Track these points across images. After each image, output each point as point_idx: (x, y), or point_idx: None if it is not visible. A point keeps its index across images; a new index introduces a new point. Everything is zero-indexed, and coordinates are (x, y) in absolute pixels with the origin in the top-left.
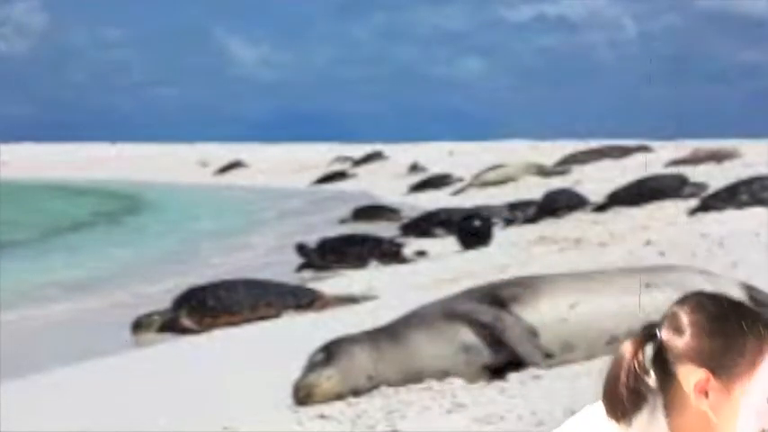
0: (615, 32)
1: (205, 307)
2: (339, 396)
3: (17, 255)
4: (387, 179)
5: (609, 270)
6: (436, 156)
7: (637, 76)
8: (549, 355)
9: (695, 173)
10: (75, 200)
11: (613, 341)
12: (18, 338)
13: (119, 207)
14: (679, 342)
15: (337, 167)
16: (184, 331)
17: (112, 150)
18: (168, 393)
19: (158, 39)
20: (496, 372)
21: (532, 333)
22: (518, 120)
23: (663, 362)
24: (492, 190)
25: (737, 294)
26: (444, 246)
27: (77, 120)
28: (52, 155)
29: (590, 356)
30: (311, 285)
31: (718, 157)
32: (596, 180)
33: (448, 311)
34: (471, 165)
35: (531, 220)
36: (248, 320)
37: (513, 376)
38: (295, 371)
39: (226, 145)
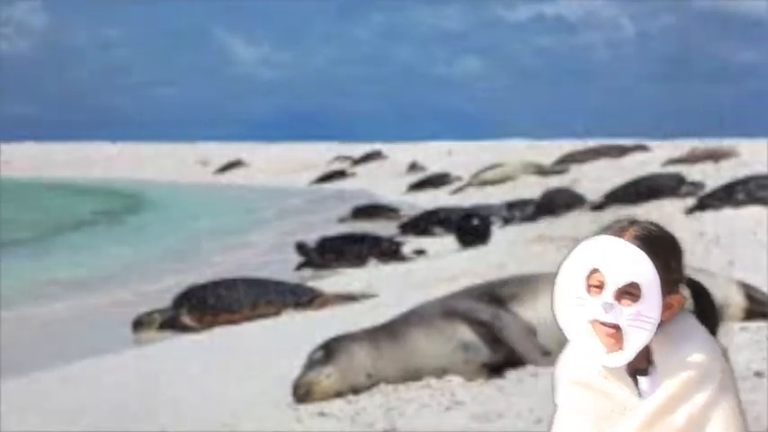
0: (613, 32)
1: (205, 305)
2: (338, 394)
3: (19, 253)
4: (386, 178)
5: None
6: (435, 155)
7: (634, 76)
8: (547, 353)
9: (692, 172)
10: (76, 199)
11: None
12: (19, 336)
13: (120, 206)
14: None
15: (337, 167)
16: (185, 329)
17: (113, 150)
18: (168, 392)
19: (158, 39)
20: (495, 370)
21: (531, 331)
22: (516, 119)
23: None
24: (490, 189)
25: (736, 293)
26: (443, 244)
27: (78, 119)
28: (53, 154)
29: None
30: (311, 284)
31: (715, 156)
32: (594, 179)
33: (447, 310)
34: (470, 164)
35: (530, 218)
36: (248, 319)
37: (512, 374)
38: (295, 369)
39: (226, 144)
